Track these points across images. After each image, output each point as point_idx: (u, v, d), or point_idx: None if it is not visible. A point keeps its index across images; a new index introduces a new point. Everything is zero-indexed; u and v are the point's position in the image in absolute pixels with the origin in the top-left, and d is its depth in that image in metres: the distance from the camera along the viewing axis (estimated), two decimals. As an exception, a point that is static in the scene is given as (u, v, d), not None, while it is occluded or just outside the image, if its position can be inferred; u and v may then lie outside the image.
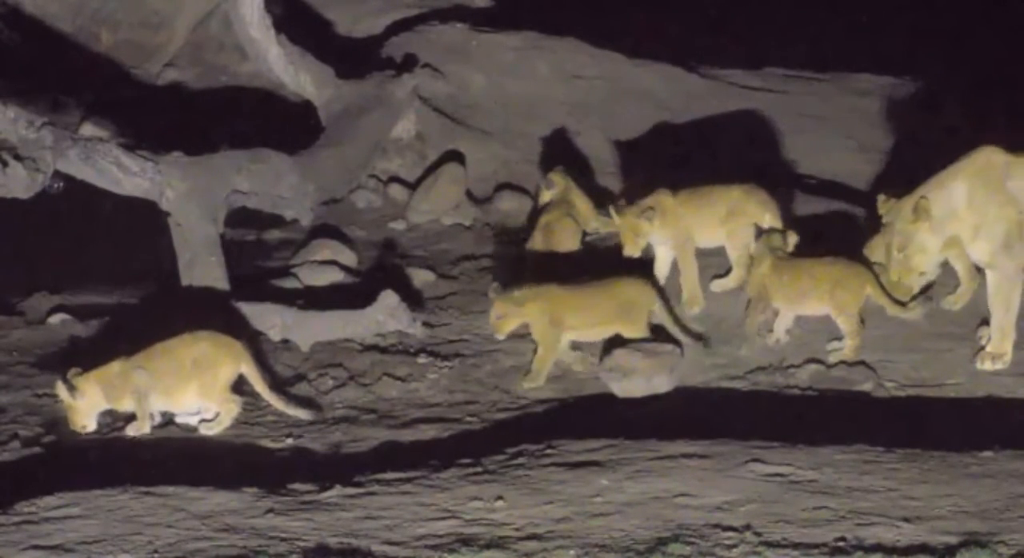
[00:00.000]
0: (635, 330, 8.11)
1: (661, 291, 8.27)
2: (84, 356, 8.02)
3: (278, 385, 7.97)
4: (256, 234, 10.45)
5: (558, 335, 8.08)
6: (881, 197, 7.84)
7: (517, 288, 8.10)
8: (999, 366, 7.72)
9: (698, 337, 8.20)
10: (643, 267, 8.53)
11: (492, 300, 8.10)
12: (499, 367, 8.33)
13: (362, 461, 7.04)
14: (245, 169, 9.47)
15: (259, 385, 7.76)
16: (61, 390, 7.59)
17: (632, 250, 8.48)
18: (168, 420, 7.77)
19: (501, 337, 8.16)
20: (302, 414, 7.77)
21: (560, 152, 10.69)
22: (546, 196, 9.57)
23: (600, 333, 8.17)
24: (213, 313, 8.46)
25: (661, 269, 8.64)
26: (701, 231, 8.58)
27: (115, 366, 7.67)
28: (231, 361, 7.73)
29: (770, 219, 8.48)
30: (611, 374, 7.95)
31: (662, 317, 8.16)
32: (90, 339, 8.81)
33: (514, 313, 8.05)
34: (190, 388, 7.67)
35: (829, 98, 11.32)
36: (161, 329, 8.06)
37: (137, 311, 9.19)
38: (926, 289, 8.17)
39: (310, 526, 5.89)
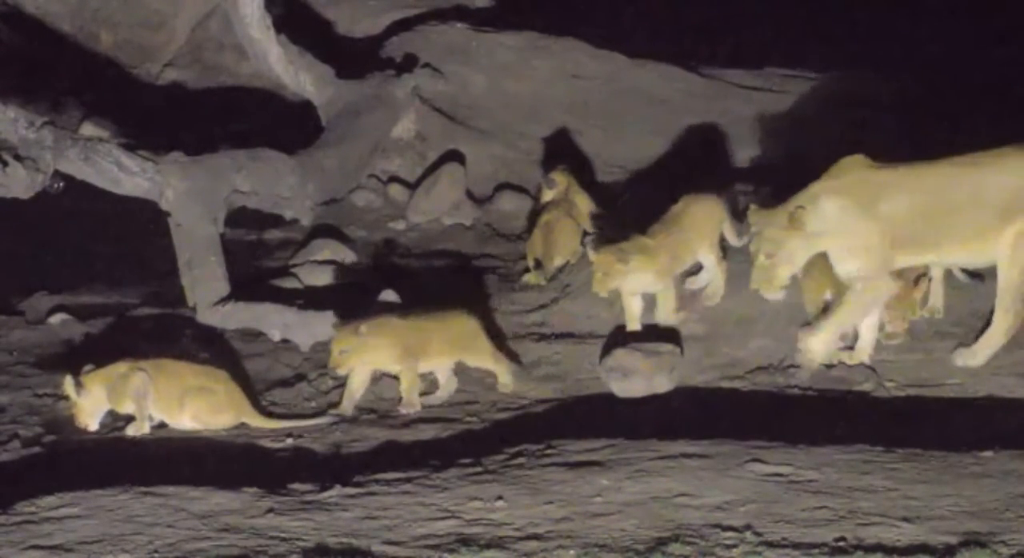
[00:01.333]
0: (480, 359, 8.05)
1: (484, 323, 8.12)
2: (84, 356, 8.02)
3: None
4: (256, 234, 10.46)
5: (415, 363, 7.88)
6: (752, 207, 7.63)
7: (359, 322, 7.79)
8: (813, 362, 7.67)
9: (516, 362, 8.17)
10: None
11: (333, 335, 7.81)
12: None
13: (362, 461, 7.04)
14: (245, 169, 9.48)
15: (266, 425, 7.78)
16: (68, 387, 7.59)
17: (599, 288, 8.13)
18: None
19: (342, 373, 7.81)
20: (317, 422, 7.75)
21: (560, 152, 10.69)
22: (547, 195, 9.57)
23: (443, 364, 8.02)
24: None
25: (632, 321, 8.34)
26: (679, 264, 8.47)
27: (120, 367, 7.67)
28: (232, 410, 7.74)
29: (726, 227, 8.57)
30: (611, 374, 7.95)
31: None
32: (90, 339, 8.82)
33: (357, 348, 7.74)
34: (185, 414, 7.69)
35: (828, 98, 11.32)
36: (165, 338, 8.12)
37: (137, 311, 9.20)
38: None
39: (310, 526, 5.89)
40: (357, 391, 7.91)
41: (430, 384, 8.18)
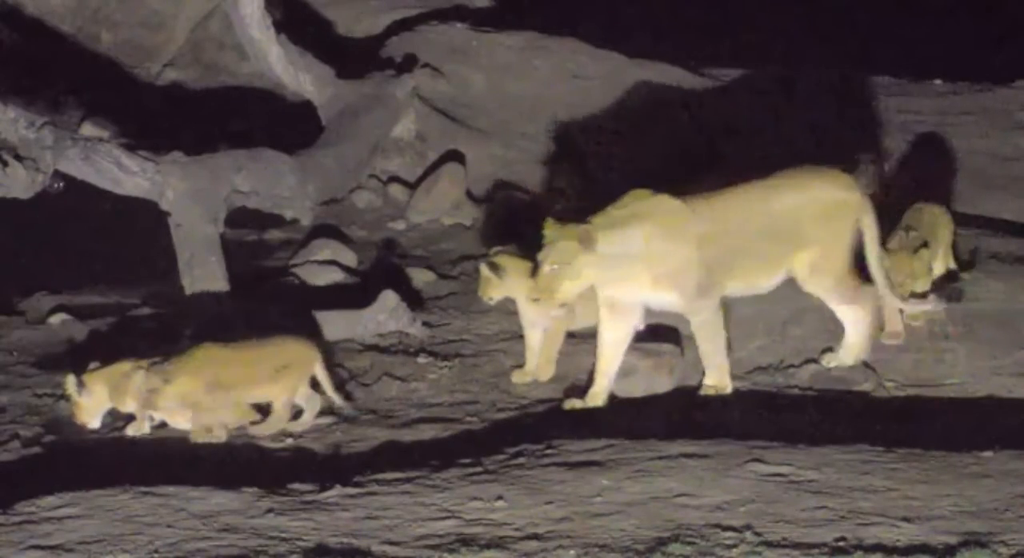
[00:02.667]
0: (285, 392, 7.69)
1: (322, 353, 7.82)
2: (85, 356, 8.02)
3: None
4: (256, 234, 10.46)
5: (221, 396, 7.59)
6: (550, 220, 7.39)
7: (172, 357, 7.63)
8: (722, 393, 7.60)
9: (346, 396, 7.88)
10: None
11: (142, 375, 7.60)
12: (499, 367, 8.34)
13: (362, 461, 7.04)
14: (245, 169, 9.47)
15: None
16: (70, 384, 7.58)
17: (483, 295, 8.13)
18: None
19: (87, 426, 7.61)
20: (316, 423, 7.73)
21: (560, 152, 10.70)
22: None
23: (260, 395, 7.70)
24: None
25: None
26: None
27: (123, 367, 7.67)
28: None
29: None
30: (611, 374, 7.95)
31: (323, 380, 7.77)
32: (90, 339, 8.81)
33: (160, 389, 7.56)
34: (181, 417, 7.67)
35: (830, 98, 11.32)
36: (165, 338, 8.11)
37: (137, 311, 9.20)
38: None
39: (310, 526, 5.89)
40: (91, 424, 7.63)
41: (430, 384, 8.18)
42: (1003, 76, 11.86)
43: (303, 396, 7.73)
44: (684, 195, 7.46)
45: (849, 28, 14.03)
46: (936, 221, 8.36)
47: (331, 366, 7.98)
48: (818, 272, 7.67)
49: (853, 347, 7.86)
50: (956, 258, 8.54)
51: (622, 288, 7.50)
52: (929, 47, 13.40)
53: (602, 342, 7.68)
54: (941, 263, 8.35)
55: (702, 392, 7.66)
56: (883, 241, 7.89)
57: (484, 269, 7.99)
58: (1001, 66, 12.26)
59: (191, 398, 7.54)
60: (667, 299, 7.51)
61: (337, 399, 7.80)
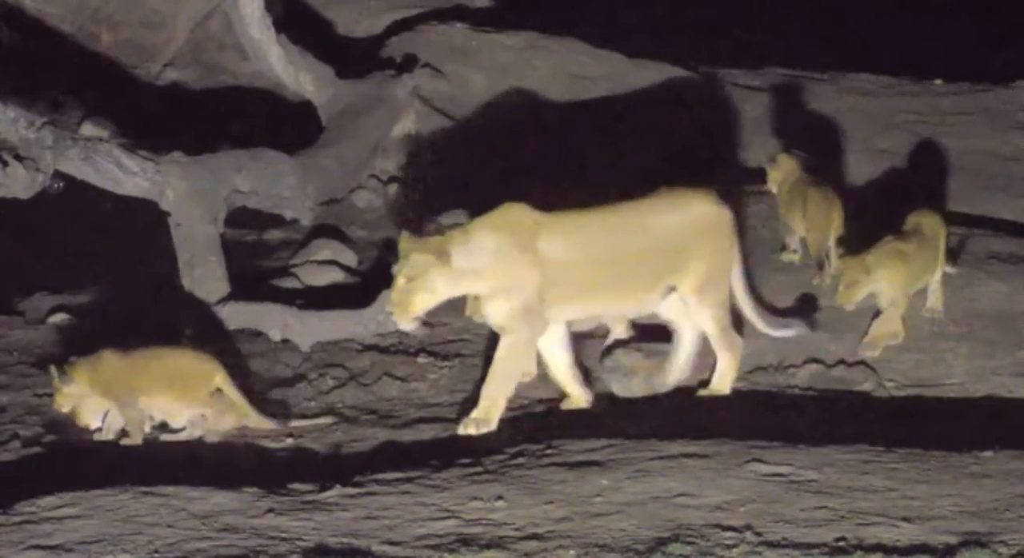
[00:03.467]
0: (191, 402, 7.62)
1: (224, 365, 7.72)
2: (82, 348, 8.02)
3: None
4: (256, 234, 10.45)
5: (127, 401, 7.56)
6: (405, 233, 7.32)
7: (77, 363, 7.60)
8: (483, 430, 7.27)
9: (281, 422, 7.74)
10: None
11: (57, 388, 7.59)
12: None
13: (362, 461, 7.04)
14: (245, 169, 9.47)
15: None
16: (54, 375, 7.58)
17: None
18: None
19: (87, 426, 7.61)
20: (275, 426, 7.68)
21: (560, 152, 10.70)
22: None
23: (155, 404, 7.65)
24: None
25: None
26: None
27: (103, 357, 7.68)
28: (235, 411, 7.71)
29: None
30: (611, 374, 7.95)
31: (230, 393, 7.66)
32: (90, 339, 8.81)
33: (71, 392, 7.56)
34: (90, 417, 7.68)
35: (829, 98, 11.32)
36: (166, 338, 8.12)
37: (137, 311, 9.20)
38: None
39: (310, 526, 5.89)
40: (91, 424, 7.63)
41: (430, 384, 8.19)
42: (1003, 76, 11.86)
43: (208, 407, 7.63)
44: (556, 211, 7.31)
45: (849, 28, 14.03)
46: (933, 229, 8.24)
47: (244, 377, 7.97)
48: (706, 293, 7.54)
49: (726, 376, 7.70)
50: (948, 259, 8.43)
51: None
52: (929, 47, 13.39)
53: (541, 352, 7.58)
54: (937, 270, 8.25)
55: (461, 430, 7.32)
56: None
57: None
58: (1001, 66, 12.26)
59: (83, 402, 7.54)
60: (491, 313, 7.33)
61: (251, 414, 7.65)
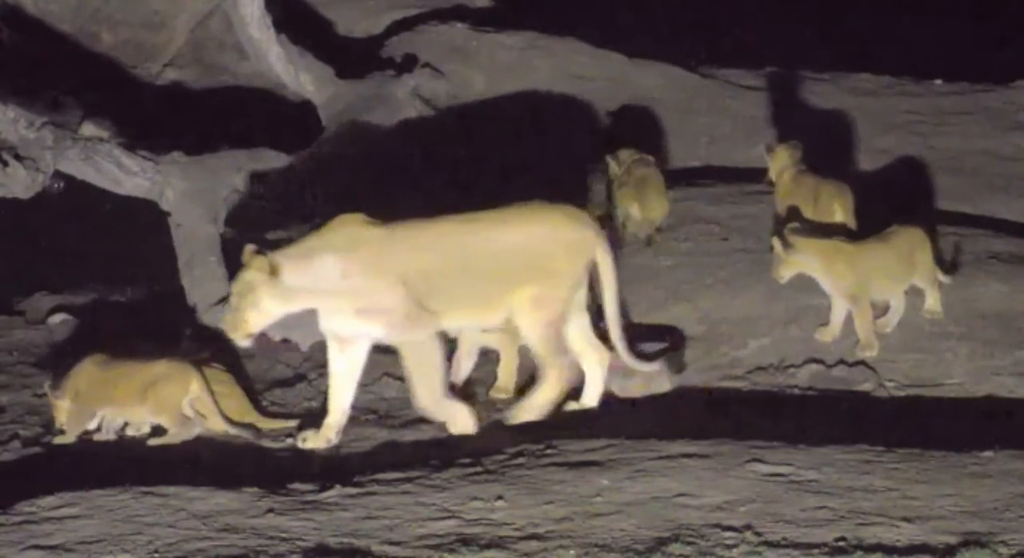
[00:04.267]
0: (160, 416, 7.57)
1: (204, 378, 7.62)
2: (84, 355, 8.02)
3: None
4: (256, 234, 10.44)
5: (88, 411, 7.57)
6: (247, 248, 7.12)
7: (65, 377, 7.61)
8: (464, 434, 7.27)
9: (251, 433, 7.63)
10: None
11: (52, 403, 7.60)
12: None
13: (362, 461, 7.04)
14: (245, 169, 9.47)
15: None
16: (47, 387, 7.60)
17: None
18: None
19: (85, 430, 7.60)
20: (246, 434, 7.66)
21: (560, 152, 10.70)
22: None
23: (129, 414, 7.64)
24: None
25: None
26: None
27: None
28: (235, 412, 7.70)
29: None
30: (611, 374, 7.94)
31: (204, 407, 7.58)
32: (90, 339, 8.81)
33: (63, 405, 7.58)
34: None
35: (829, 98, 11.32)
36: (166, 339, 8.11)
37: (136, 311, 9.20)
38: None
39: (310, 526, 5.89)
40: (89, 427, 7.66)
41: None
42: (1003, 76, 11.86)
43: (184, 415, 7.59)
44: (398, 222, 7.17)
45: (849, 28, 14.03)
46: (909, 241, 8.20)
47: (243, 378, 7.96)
48: (538, 309, 7.29)
49: (536, 405, 7.44)
50: (944, 267, 8.37)
51: (330, 321, 7.18)
52: (929, 47, 13.39)
53: (332, 374, 7.38)
54: (925, 283, 8.20)
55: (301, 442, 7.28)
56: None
57: None
58: (1001, 66, 12.26)
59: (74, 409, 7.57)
60: (374, 331, 7.19)
61: (221, 425, 7.58)
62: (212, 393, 7.55)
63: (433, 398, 7.29)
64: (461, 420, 7.33)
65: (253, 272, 6.97)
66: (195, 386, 7.55)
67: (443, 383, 7.33)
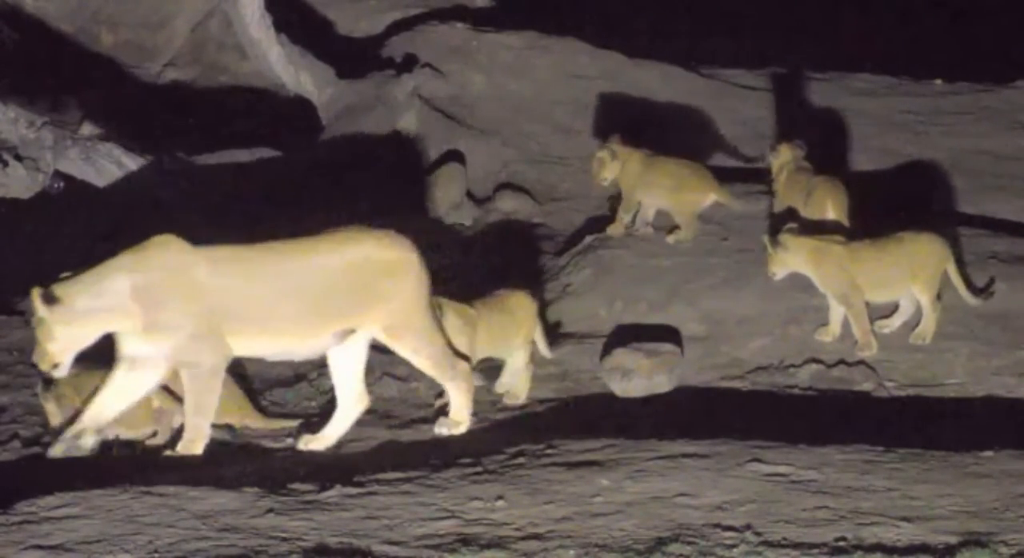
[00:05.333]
0: (133, 423, 7.49)
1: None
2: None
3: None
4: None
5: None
6: (35, 289, 6.85)
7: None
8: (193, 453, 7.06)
9: (229, 433, 7.61)
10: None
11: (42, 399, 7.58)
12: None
13: (362, 461, 7.04)
14: (245, 169, 9.48)
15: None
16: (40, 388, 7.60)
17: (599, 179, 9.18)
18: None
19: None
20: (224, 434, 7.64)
21: (560, 152, 10.71)
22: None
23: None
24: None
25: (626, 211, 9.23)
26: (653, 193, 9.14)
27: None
28: (236, 412, 7.70)
29: (716, 196, 9.09)
30: (611, 374, 7.95)
31: (170, 411, 7.56)
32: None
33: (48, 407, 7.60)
34: None
35: (829, 98, 11.33)
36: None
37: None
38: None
39: (310, 526, 5.89)
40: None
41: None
42: (1003, 76, 11.86)
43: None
44: (210, 244, 7.02)
45: (849, 28, 14.04)
46: (915, 253, 8.15)
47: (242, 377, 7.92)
48: (401, 335, 7.23)
49: (461, 409, 7.43)
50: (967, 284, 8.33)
51: (121, 341, 7.02)
52: (929, 47, 13.40)
53: (105, 386, 7.14)
54: (922, 297, 8.16)
55: (169, 453, 7.13)
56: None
57: None
58: (1001, 66, 12.26)
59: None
60: (158, 350, 6.99)
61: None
62: (176, 397, 7.56)
63: (202, 426, 7.11)
64: (193, 447, 7.11)
65: (36, 306, 6.88)
66: (158, 399, 7.53)
67: (215, 412, 7.15)
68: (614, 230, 9.23)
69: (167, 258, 6.95)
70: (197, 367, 7.03)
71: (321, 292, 7.08)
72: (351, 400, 7.39)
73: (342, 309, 7.13)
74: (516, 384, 7.94)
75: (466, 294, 7.77)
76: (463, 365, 7.40)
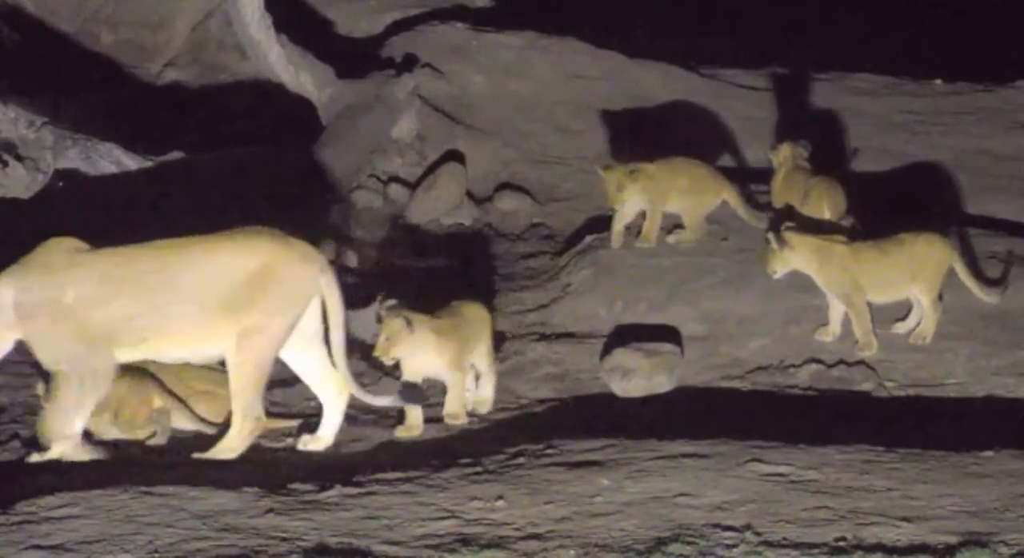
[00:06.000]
0: (130, 430, 7.51)
1: (164, 389, 7.51)
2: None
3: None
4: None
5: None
6: None
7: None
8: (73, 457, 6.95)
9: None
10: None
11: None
12: (498, 367, 8.33)
13: (362, 461, 7.04)
14: (245, 169, 9.48)
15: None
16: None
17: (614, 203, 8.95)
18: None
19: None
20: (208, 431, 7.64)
21: (560, 152, 10.71)
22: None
23: (97, 426, 7.46)
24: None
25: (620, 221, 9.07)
26: (670, 198, 9.03)
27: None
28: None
29: (728, 196, 9.07)
30: (611, 374, 7.95)
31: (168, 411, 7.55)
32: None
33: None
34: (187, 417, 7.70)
35: (829, 98, 11.32)
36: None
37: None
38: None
39: (310, 526, 5.89)
40: None
41: (430, 384, 8.19)
42: (1003, 76, 11.86)
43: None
44: (106, 246, 6.93)
45: (849, 28, 14.03)
46: (916, 254, 8.15)
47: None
48: (246, 344, 6.98)
49: (221, 449, 7.12)
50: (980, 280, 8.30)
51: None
52: (929, 47, 13.40)
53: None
54: (923, 298, 8.16)
55: (36, 457, 6.99)
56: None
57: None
58: (1001, 66, 12.26)
59: None
60: (39, 354, 7.02)
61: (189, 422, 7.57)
62: (176, 398, 7.58)
63: (65, 428, 7.01)
64: (77, 454, 7.03)
65: None
66: (158, 400, 7.55)
67: (84, 418, 7.05)
68: (646, 241, 9.10)
69: (52, 262, 6.87)
70: (66, 368, 6.95)
71: (211, 294, 6.91)
72: (331, 395, 7.34)
73: (227, 311, 6.93)
74: (482, 392, 7.84)
75: (417, 306, 7.60)
76: (258, 407, 7.13)
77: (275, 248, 6.99)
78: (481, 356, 7.81)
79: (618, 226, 9.10)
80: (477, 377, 7.87)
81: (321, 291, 7.09)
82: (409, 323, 7.38)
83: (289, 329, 7.07)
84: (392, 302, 7.52)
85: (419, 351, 7.47)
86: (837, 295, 8.06)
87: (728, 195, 9.12)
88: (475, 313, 7.87)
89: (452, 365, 7.54)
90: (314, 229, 8.15)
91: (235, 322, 6.97)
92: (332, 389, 7.37)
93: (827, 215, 8.53)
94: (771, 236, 8.10)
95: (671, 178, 9.06)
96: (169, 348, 7.10)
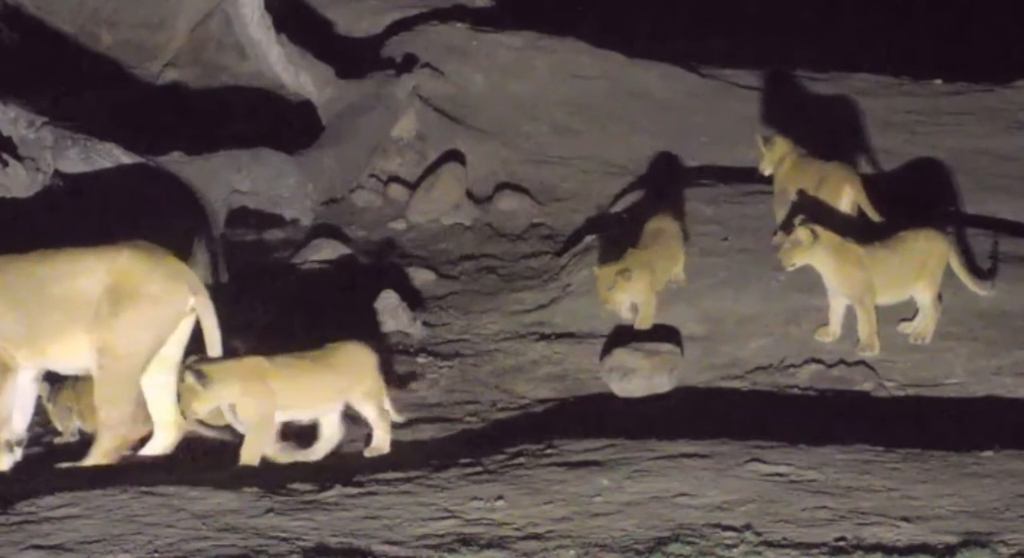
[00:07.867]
0: None
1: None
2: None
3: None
4: (256, 234, 10.46)
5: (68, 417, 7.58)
6: None
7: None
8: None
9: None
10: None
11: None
12: (499, 367, 8.34)
13: (362, 461, 7.04)
14: (245, 169, 9.48)
15: None
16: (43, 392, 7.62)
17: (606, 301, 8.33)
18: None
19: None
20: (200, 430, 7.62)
21: (560, 152, 10.71)
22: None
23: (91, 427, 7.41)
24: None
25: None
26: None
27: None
28: None
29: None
30: (611, 374, 7.95)
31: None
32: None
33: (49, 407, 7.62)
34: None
35: (829, 98, 11.33)
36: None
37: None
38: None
39: (310, 526, 5.89)
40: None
41: (430, 384, 8.19)
42: (1003, 76, 11.87)
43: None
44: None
45: (849, 28, 14.04)
46: (920, 253, 8.14)
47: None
48: (105, 361, 6.84)
49: (96, 453, 7.00)
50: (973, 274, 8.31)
51: None
52: (929, 47, 13.40)
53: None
54: (925, 296, 8.15)
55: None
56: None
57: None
58: (1001, 66, 12.26)
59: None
60: None
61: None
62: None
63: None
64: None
65: None
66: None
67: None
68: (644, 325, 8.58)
69: None
70: None
71: (64, 307, 6.80)
72: (162, 424, 7.11)
73: (79, 324, 6.81)
74: (375, 442, 7.22)
75: (291, 347, 7.19)
76: (127, 428, 6.98)
77: (137, 264, 6.82)
78: (360, 400, 7.16)
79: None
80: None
81: (193, 310, 6.91)
82: (201, 377, 6.78)
83: (154, 346, 6.89)
84: (193, 358, 6.97)
85: (222, 403, 6.95)
86: (849, 295, 8.03)
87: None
88: (351, 357, 7.16)
89: (254, 414, 6.95)
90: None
91: (95, 336, 6.81)
92: (165, 420, 7.14)
93: (846, 200, 8.53)
94: (804, 228, 7.96)
95: (664, 269, 8.60)
96: (42, 359, 6.96)
